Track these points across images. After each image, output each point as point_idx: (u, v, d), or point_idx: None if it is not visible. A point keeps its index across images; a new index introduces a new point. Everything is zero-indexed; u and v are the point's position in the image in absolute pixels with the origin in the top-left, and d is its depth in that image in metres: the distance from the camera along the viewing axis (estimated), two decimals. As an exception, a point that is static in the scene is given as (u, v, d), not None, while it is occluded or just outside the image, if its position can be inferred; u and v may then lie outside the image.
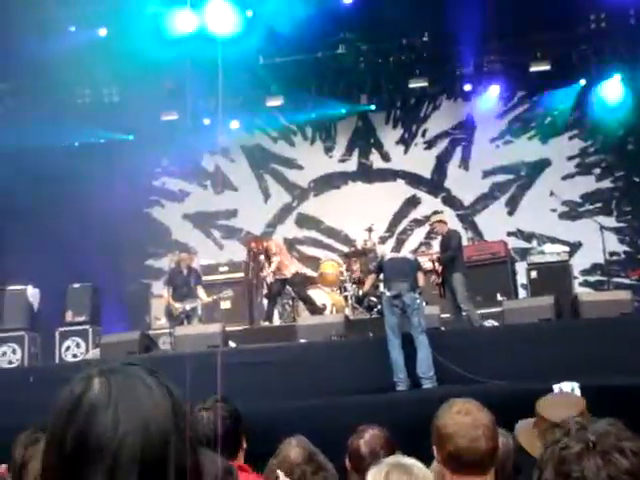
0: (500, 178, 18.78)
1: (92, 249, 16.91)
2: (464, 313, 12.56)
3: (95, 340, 14.79)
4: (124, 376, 1.86)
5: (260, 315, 15.68)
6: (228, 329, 13.46)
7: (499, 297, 14.11)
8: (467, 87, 18.25)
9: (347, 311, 14.69)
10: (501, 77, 17.91)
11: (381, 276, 12.02)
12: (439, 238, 13.39)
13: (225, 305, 15.47)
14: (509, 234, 17.73)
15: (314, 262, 17.32)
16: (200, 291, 14.38)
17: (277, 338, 13.27)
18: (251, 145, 19.77)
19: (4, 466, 4.58)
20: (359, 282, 15.03)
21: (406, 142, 19.34)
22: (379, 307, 13.77)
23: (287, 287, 15.01)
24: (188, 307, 14.14)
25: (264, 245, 15.08)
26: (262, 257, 15.01)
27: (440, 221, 13.17)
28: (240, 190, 19.64)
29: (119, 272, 18.52)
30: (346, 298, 15.17)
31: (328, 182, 19.58)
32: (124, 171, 18.57)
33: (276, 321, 15.31)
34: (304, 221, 19.48)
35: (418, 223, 18.73)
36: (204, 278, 15.15)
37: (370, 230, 15.81)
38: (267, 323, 14.81)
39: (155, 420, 1.81)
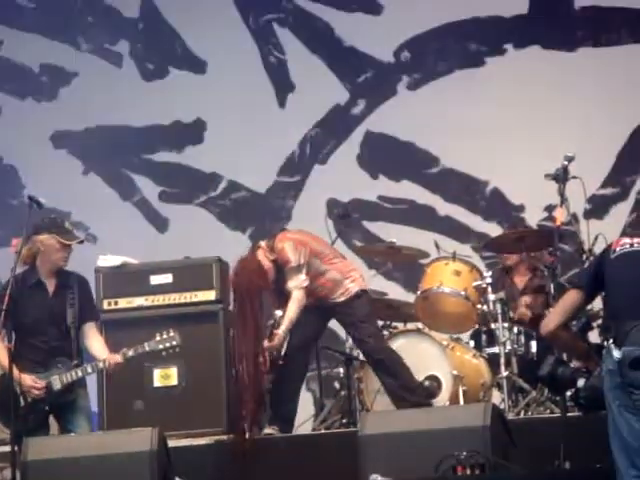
0: None
1: None
2: None
3: None
4: None
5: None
6: (177, 444, 6.15)
7: None
8: None
9: (497, 394, 7.29)
10: None
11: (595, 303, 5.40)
12: None
13: (167, 378, 6.80)
14: None
15: (394, 260, 8.14)
16: (93, 339, 6.31)
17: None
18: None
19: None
20: (531, 321, 7.26)
21: None
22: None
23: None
24: (59, 382, 6.08)
25: (275, 247, 6.78)
26: (269, 269, 6.65)
27: None
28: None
29: None
30: (489, 361, 7.25)
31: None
32: None
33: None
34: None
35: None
36: (109, 306, 6.97)
37: (565, 168, 6.16)
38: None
39: None
